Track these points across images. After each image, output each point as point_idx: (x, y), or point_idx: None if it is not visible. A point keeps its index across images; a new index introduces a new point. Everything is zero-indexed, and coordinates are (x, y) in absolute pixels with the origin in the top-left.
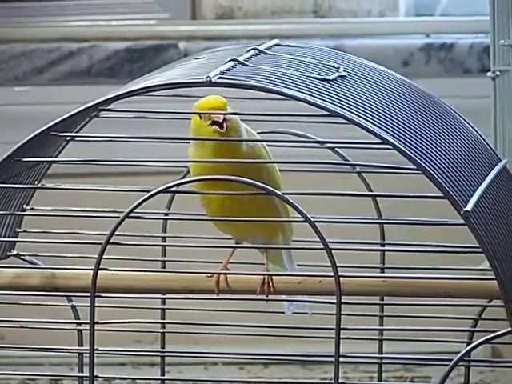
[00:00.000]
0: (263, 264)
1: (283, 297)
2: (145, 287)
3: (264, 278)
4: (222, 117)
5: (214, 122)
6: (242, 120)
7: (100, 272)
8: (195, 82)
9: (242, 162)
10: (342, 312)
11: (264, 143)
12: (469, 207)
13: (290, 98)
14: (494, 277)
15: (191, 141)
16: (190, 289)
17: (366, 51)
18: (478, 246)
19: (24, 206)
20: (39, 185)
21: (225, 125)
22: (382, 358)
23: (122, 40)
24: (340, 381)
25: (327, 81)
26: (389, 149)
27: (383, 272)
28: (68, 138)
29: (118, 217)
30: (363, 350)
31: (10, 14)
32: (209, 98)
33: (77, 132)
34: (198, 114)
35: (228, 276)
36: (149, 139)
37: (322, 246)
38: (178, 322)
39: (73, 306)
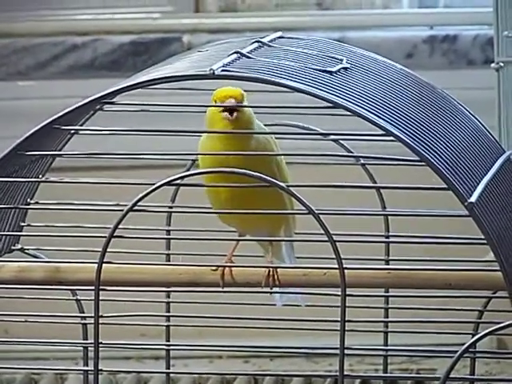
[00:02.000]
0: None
1: (275, 289)
2: (149, 280)
3: (269, 271)
4: (233, 103)
5: (226, 110)
6: None
7: (104, 265)
8: (198, 74)
9: (245, 154)
10: (347, 304)
11: (273, 137)
12: (473, 198)
13: (293, 90)
14: (498, 268)
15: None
16: (194, 282)
17: (369, 43)
18: (482, 237)
19: (28, 199)
20: (43, 178)
21: (235, 113)
22: (387, 351)
23: (126, 33)
24: (345, 373)
25: (330, 73)
26: (393, 140)
27: (388, 264)
28: (72, 132)
29: (121, 210)
30: (368, 342)
31: (12, 8)
32: (227, 87)
33: (81, 125)
34: (203, 106)
35: (233, 269)
36: (153, 132)
37: (326, 239)
38: (182, 315)
39: (77, 300)
